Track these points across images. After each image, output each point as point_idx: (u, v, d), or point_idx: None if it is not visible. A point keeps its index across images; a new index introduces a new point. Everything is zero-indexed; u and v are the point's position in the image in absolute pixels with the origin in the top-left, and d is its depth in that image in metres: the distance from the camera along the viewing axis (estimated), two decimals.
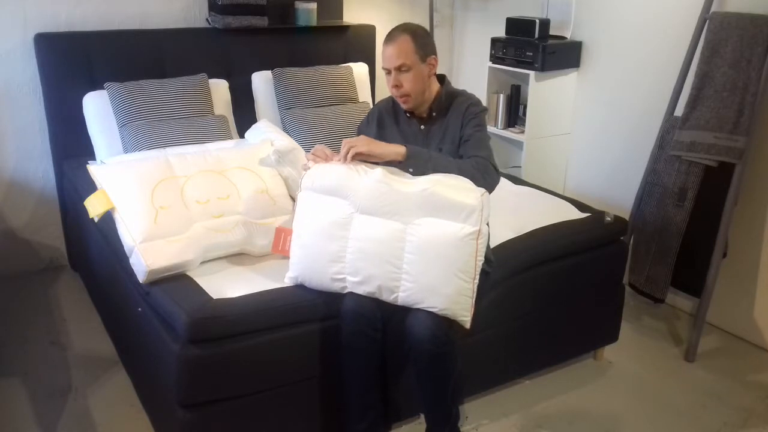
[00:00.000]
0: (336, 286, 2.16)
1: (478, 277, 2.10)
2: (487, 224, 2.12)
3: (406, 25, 2.26)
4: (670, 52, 3.21)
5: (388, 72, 2.23)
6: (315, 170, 2.19)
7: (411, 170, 2.16)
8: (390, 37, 2.22)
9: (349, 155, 2.14)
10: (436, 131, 2.30)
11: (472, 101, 2.31)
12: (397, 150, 2.16)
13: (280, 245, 2.35)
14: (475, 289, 2.10)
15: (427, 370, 2.14)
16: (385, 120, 2.38)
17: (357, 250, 2.10)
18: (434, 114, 2.30)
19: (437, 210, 2.05)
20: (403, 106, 2.30)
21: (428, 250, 2.06)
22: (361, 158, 2.17)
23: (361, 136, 2.24)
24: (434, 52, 2.27)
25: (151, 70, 3.33)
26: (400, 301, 2.12)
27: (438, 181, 2.08)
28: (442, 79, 2.33)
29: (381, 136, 2.35)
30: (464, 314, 2.10)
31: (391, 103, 2.39)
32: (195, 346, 1.99)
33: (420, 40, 2.21)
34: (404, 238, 2.08)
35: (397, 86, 2.23)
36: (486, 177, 2.16)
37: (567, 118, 3.81)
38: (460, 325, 2.13)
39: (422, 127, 2.32)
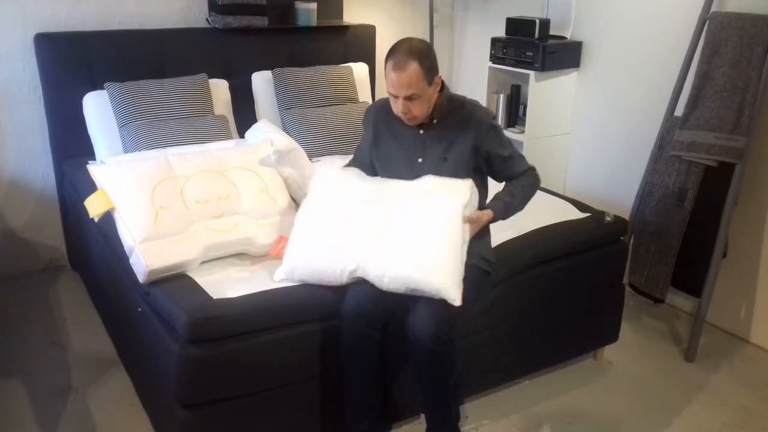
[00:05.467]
0: (333, 273, 2.17)
1: (465, 246, 2.15)
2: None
3: (411, 45, 2.15)
4: (670, 52, 3.21)
5: (395, 96, 2.17)
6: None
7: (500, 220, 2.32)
8: (397, 63, 2.11)
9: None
10: (437, 137, 2.28)
11: (481, 111, 2.31)
12: (489, 219, 2.28)
13: (277, 250, 2.36)
14: (464, 260, 2.13)
15: (427, 369, 2.14)
16: (380, 127, 2.37)
17: (353, 236, 2.18)
18: (435, 121, 2.28)
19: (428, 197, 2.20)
20: (408, 123, 2.27)
21: (416, 224, 2.14)
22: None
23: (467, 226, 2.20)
24: (438, 70, 2.21)
25: (151, 70, 3.33)
26: (386, 281, 2.11)
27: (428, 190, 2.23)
28: (440, 85, 2.30)
29: (377, 142, 2.36)
30: (453, 289, 2.08)
31: (384, 106, 2.35)
32: (195, 346, 1.99)
33: (426, 64, 2.13)
34: (393, 220, 2.17)
35: (405, 113, 2.19)
36: (537, 184, 2.40)
37: (567, 118, 3.81)
38: (460, 325, 2.13)
39: (421, 131, 2.30)
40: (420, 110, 2.19)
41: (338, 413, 2.26)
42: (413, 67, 2.10)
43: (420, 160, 2.29)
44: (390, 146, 2.34)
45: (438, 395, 2.20)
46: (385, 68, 2.18)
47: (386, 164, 2.36)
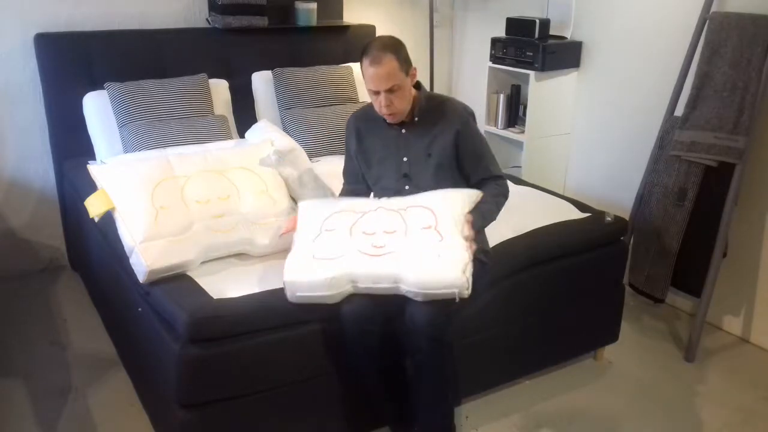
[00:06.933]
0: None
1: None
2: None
3: (383, 41, 2.24)
4: (670, 52, 3.21)
5: (376, 93, 2.21)
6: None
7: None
8: (374, 58, 2.17)
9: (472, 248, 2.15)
10: (419, 135, 2.31)
11: (459, 105, 2.34)
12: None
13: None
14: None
15: (425, 358, 2.14)
16: (362, 131, 2.40)
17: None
18: (416, 119, 2.32)
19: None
20: (390, 120, 2.30)
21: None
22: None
23: (466, 226, 2.16)
24: (411, 63, 2.27)
25: (151, 70, 3.33)
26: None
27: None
28: (417, 84, 2.34)
29: (361, 148, 2.39)
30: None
31: (364, 112, 2.41)
32: (195, 345, 1.99)
33: (401, 55, 2.20)
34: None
35: (387, 106, 2.22)
36: (507, 195, 2.35)
37: (567, 118, 3.81)
38: (459, 325, 2.13)
39: (403, 131, 2.34)
40: (401, 103, 2.23)
41: (337, 413, 2.26)
42: (390, 59, 2.17)
43: (405, 159, 2.33)
44: (375, 149, 2.37)
45: (434, 389, 2.20)
46: (362, 68, 2.23)
47: (372, 167, 2.40)
